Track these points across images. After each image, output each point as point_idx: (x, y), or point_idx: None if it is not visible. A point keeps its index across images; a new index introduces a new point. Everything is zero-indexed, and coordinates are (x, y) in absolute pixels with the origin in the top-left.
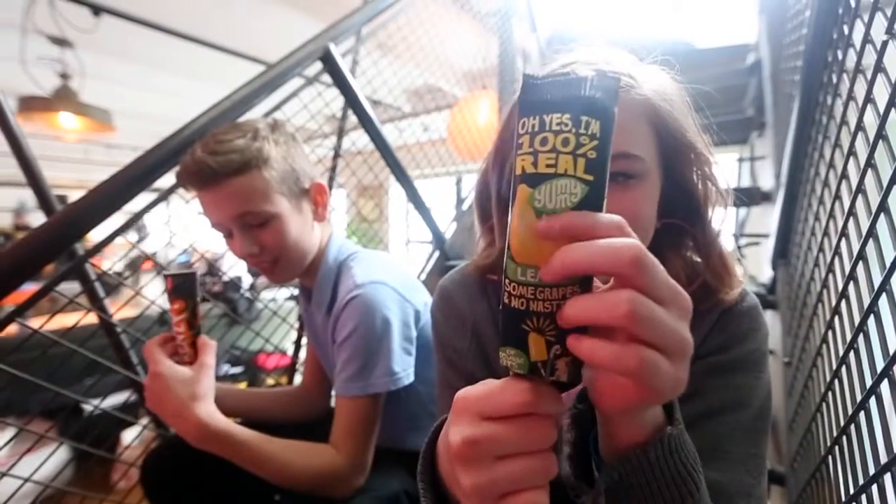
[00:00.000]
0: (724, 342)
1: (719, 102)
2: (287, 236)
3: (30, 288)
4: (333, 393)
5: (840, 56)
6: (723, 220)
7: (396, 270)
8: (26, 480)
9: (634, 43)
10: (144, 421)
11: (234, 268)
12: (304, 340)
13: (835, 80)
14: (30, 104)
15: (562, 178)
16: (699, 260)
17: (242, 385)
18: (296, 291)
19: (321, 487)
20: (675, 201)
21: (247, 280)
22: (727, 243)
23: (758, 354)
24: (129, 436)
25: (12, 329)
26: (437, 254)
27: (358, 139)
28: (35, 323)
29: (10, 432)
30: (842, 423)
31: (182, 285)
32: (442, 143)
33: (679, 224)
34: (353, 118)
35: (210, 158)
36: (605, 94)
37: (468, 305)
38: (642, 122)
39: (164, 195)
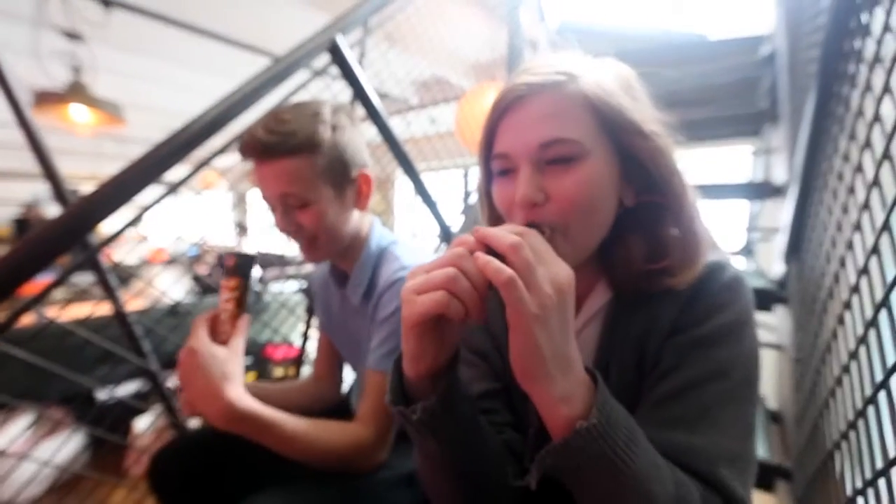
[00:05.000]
0: (703, 313)
1: (731, 94)
2: (324, 221)
3: (43, 279)
4: (345, 379)
5: (858, 45)
6: (693, 194)
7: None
8: (44, 465)
9: (644, 34)
10: (157, 409)
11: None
12: (311, 332)
13: (852, 70)
14: (44, 98)
15: None
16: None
17: (251, 376)
18: (304, 285)
19: (347, 462)
20: (644, 179)
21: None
22: (701, 218)
23: (736, 325)
24: (141, 424)
25: (27, 319)
26: (443, 247)
27: (365, 131)
28: (46, 313)
29: (26, 419)
30: (850, 418)
31: (242, 265)
32: (449, 135)
33: (655, 202)
34: (360, 110)
35: (264, 135)
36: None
37: None
38: (579, 109)
39: (174, 188)
